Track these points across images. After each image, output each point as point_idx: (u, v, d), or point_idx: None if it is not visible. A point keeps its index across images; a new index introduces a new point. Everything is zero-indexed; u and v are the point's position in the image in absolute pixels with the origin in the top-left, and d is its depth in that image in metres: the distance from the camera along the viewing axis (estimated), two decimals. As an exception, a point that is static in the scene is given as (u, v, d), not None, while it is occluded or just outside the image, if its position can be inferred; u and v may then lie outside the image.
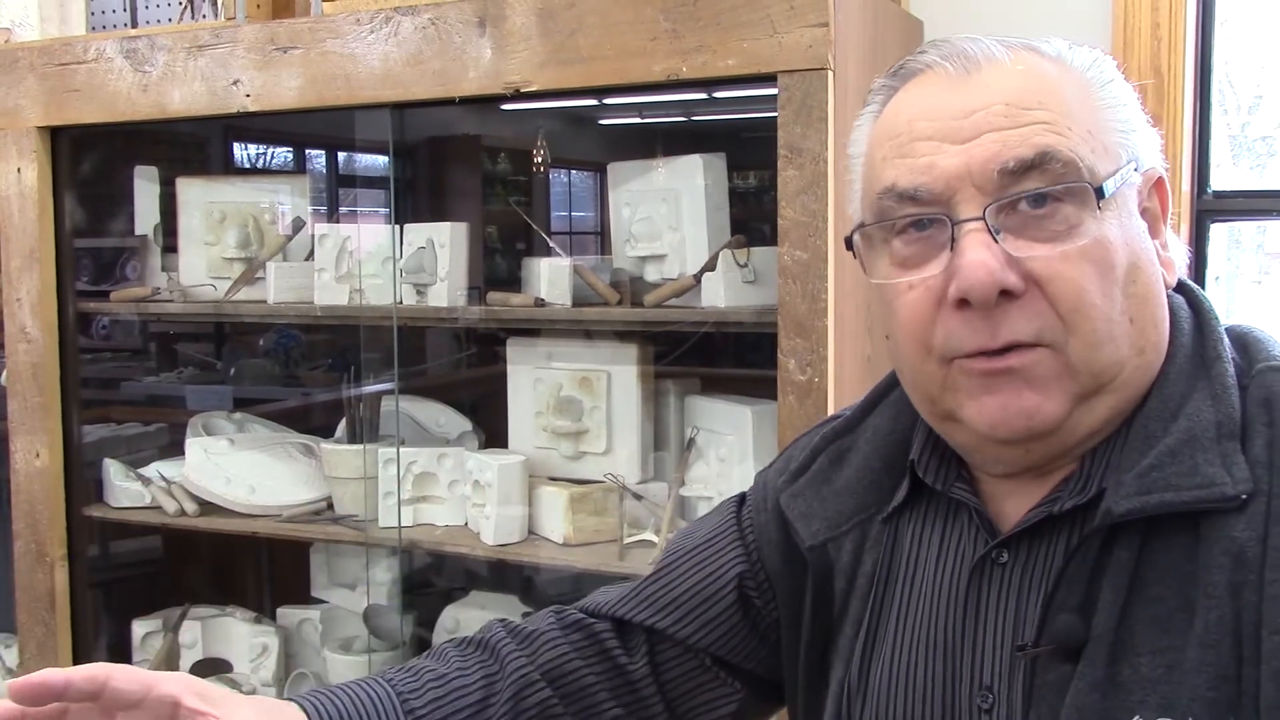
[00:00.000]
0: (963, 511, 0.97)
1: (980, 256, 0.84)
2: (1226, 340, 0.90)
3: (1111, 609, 0.85)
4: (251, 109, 2.09)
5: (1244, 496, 0.82)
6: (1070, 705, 0.85)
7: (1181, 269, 0.97)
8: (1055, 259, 0.84)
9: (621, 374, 2.13)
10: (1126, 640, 0.84)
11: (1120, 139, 0.89)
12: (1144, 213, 0.91)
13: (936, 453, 0.99)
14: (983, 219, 0.85)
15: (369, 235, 2.27)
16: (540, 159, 2.50)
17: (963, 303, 0.85)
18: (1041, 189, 0.84)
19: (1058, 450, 0.89)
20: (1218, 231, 2.05)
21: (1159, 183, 0.93)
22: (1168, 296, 0.92)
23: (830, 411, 1.68)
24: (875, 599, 1.01)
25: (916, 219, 0.88)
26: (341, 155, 2.99)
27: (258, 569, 2.78)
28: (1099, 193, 0.84)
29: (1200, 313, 0.93)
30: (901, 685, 0.97)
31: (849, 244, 0.96)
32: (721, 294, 1.91)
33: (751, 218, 2.29)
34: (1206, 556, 0.82)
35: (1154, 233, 0.91)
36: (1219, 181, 2.02)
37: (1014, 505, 0.94)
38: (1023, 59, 0.89)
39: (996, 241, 0.84)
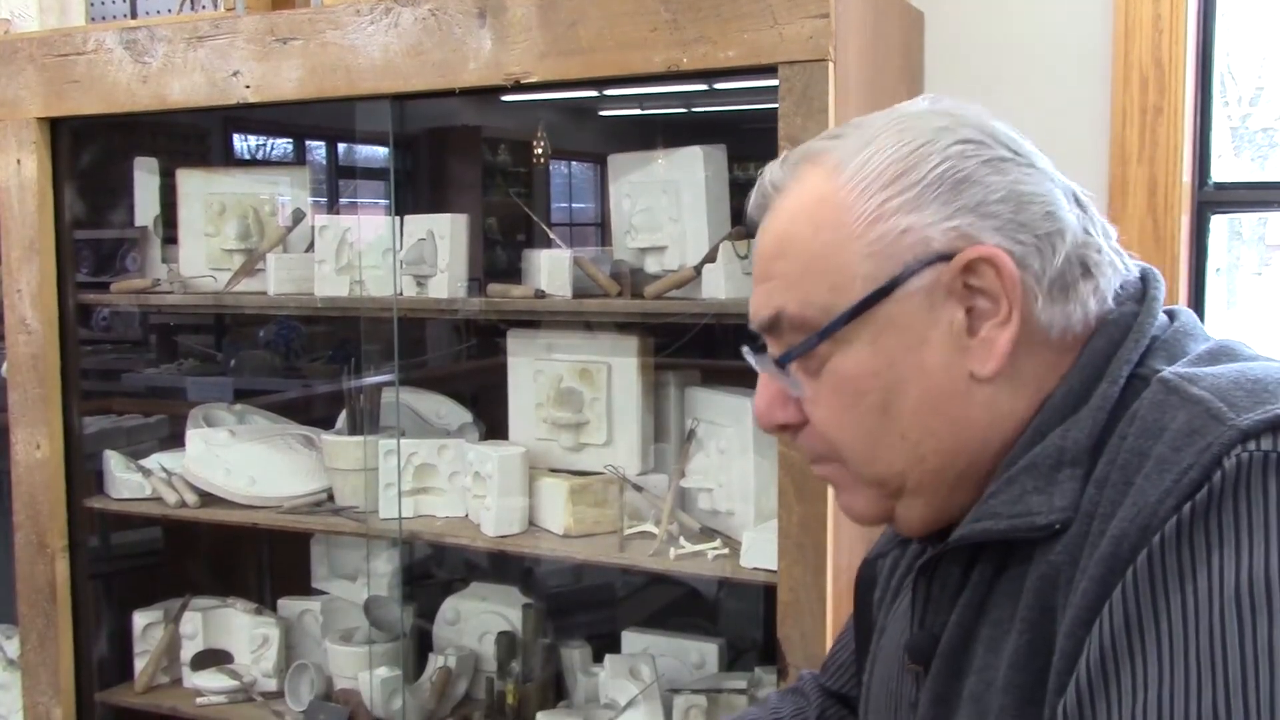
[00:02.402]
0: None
1: (757, 397, 0.96)
2: (1135, 358, 0.85)
3: (955, 629, 0.89)
4: (251, 100, 2.08)
5: (1057, 526, 0.81)
6: (919, 717, 0.92)
7: (1117, 275, 0.90)
8: (808, 401, 0.92)
9: (622, 366, 2.13)
10: (967, 658, 0.88)
11: (884, 254, 0.86)
12: (977, 292, 0.86)
13: None
14: (757, 360, 0.95)
15: (369, 227, 2.27)
16: (540, 150, 2.50)
17: None
18: (771, 348, 0.94)
19: (925, 529, 0.95)
20: (1218, 223, 2.04)
21: (985, 259, 0.85)
22: (1111, 311, 0.88)
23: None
24: (888, 611, 1.08)
25: None
26: (341, 146, 3.00)
27: (258, 560, 2.79)
28: (784, 358, 0.91)
29: (1131, 330, 0.87)
30: (881, 691, 1.04)
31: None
32: (722, 285, 1.91)
33: (752, 209, 2.28)
34: (1029, 580, 0.83)
35: (983, 315, 0.86)
36: (1220, 173, 2.01)
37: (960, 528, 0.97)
38: (788, 191, 0.93)
39: (777, 378, 0.93)
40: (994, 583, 0.87)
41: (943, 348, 0.87)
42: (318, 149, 3.15)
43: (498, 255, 2.81)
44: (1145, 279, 0.92)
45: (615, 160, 2.15)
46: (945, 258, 0.85)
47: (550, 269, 2.06)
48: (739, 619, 2.24)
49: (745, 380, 2.04)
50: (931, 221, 0.86)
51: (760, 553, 1.82)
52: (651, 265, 2.09)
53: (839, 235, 0.88)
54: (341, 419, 2.36)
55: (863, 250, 0.87)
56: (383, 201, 2.33)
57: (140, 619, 2.48)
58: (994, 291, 0.86)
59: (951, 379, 0.87)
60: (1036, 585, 0.82)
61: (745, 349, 0.98)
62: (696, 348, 2.15)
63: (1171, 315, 0.91)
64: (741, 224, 1.99)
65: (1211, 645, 0.70)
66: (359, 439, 2.27)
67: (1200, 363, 0.84)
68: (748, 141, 2.20)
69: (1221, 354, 0.86)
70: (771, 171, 0.94)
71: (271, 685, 2.39)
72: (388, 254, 2.20)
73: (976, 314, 0.86)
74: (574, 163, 3.15)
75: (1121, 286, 0.90)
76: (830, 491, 1.67)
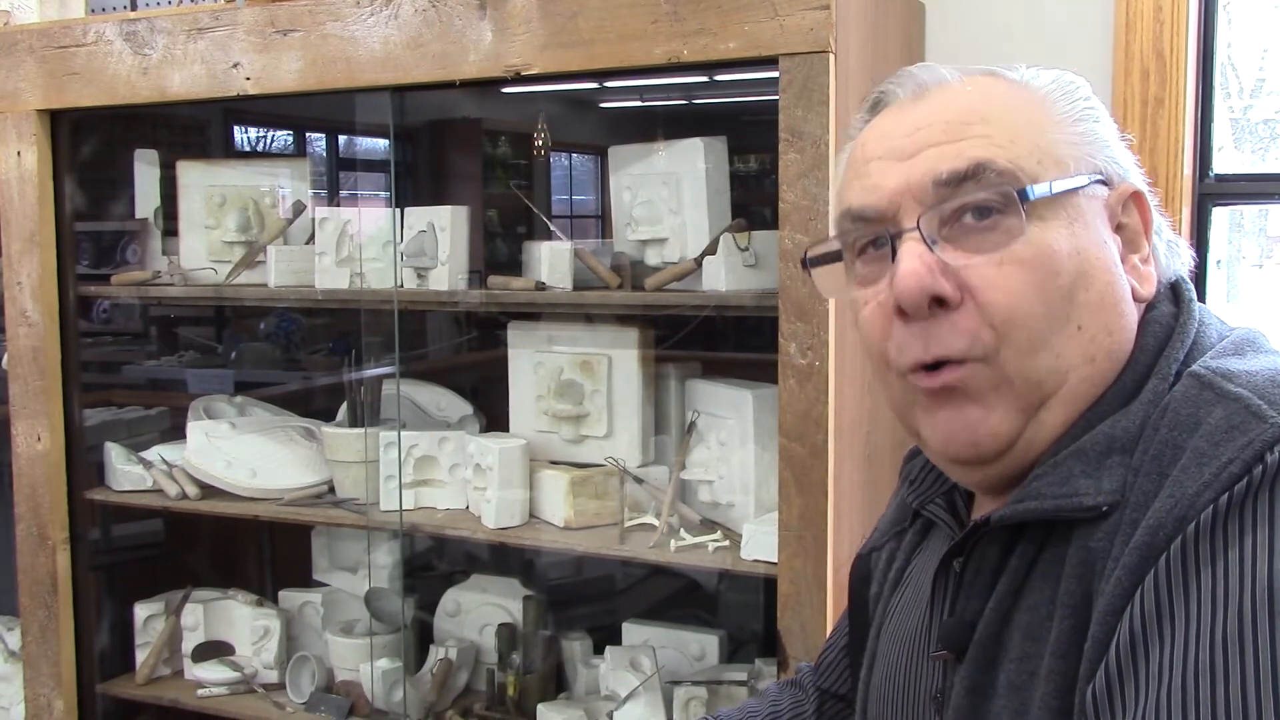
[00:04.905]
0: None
1: (911, 265, 0.86)
2: (1182, 356, 0.88)
3: (993, 615, 0.87)
4: (251, 92, 2.08)
5: (1104, 508, 0.81)
6: (951, 707, 0.89)
7: (1185, 272, 0.96)
8: (989, 267, 0.85)
9: (622, 358, 2.13)
10: (1004, 646, 0.86)
11: (1076, 152, 0.89)
12: (1120, 228, 0.91)
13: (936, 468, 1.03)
14: (917, 229, 0.87)
15: (369, 219, 2.27)
16: (541, 142, 2.49)
17: (901, 312, 0.87)
18: (972, 196, 0.86)
19: (1015, 469, 0.90)
20: (1219, 215, 2.04)
21: (1137, 198, 0.92)
22: (1150, 309, 0.91)
23: (830, 395, 1.68)
24: (886, 604, 1.07)
25: (873, 238, 0.91)
26: (342, 138, 2.99)
27: (259, 552, 2.79)
28: (1022, 195, 0.85)
29: (1175, 329, 0.90)
30: (889, 685, 1.03)
31: (804, 264, 0.99)
32: (722, 278, 1.91)
33: (752, 201, 2.29)
34: (1068, 565, 0.83)
35: (1133, 247, 0.92)
36: (1221, 165, 2.01)
37: (983, 514, 0.95)
38: (973, 82, 0.92)
39: (932, 251, 0.86)
40: (1032, 567, 0.86)
41: (1116, 257, 0.90)
42: (318, 141, 3.15)
43: (498, 247, 2.81)
44: (1174, 281, 0.96)
45: (616, 152, 2.15)
46: (1110, 184, 0.91)
47: (551, 261, 2.06)
48: (739, 611, 2.24)
49: (745, 372, 2.04)
50: (1113, 145, 0.92)
51: (760, 545, 1.82)
52: (652, 257, 2.09)
53: (1045, 120, 0.90)
54: (342, 411, 2.36)
55: (1066, 139, 0.90)
56: (383, 194, 2.33)
57: (141, 610, 2.48)
58: (1136, 229, 0.92)
59: (1122, 288, 0.90)
60: (1077, 570, 0.82)
61: (882, 234, 0.89)
62: (697, 340, 2.15)
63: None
64: (742, 216, 1.99)
65: (1240, 629, 0.70)
66: (360, 431, 2.27)
67: (1225, 354, 0.86)
68: (748, 133, 2.20)
69: (1245, 346, 0.88)
70: (927, 69, 0.93)
71: (273, 677, 2.39)
72: (388, 246, 2.19)
73: (1122, 246, 0.91)
74: (574, 155, 3.14)
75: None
76: (832, 481, 1.67)
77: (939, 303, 0.86)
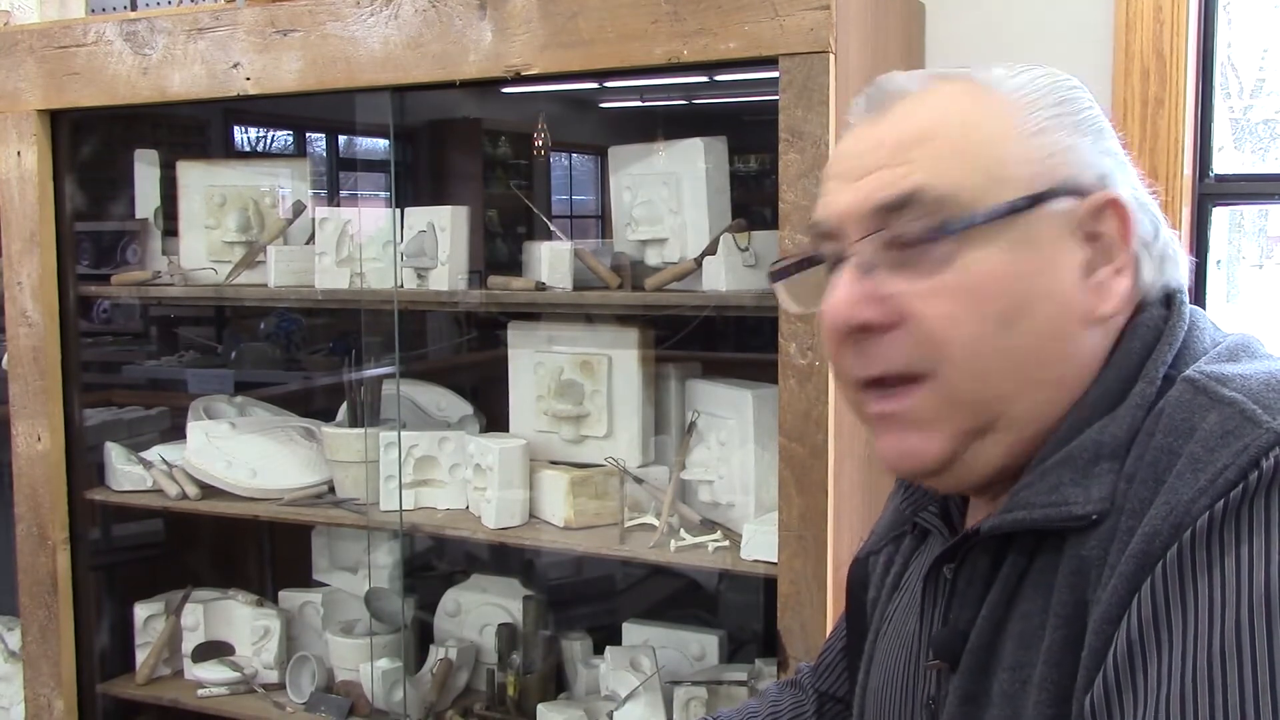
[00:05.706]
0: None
1: (839, 293, 0.86)
2: (1169, 359, 0.86)
3: (985, 624, 0.87)
4: (251, 92, 2.08)
5: (1094, 517, 0.80)
6: (945, 715, 0.89)
7: (1183, 272, 0.93)
8: (921, 294, 0.85)
9: (622, 358, 2.13)
10: (997, 654, 0.86)
11: (1036, 167, 0.86)
12: (1095, 238, 0.88)
13: None
14: (853, 255, 0.87)
15: (369, 219, 2.27)
16: (541, 142, 2.50)
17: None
18: (901, 228, 0.85)
19: (970, 484, 0.90)
20: (1219, 215, 2.04)
21: (1115, 205, 0.88)
22: (1140, 313, 0.89)
23: (830, 395, 1.68)
24: (884, 609, 1.07)
25: (833, 253, 0.91)
26: (342, 138, 3.00)
27: (259, 552, 2.79)
28: (950, 228, 0.83)
29: (1163, 334, 0.88)
30: (883, 692, 1.02)
31: (771, 278, 0.99)
32: (722, 278, 1.91)
33: (753, 201, 2.29)
34: (1061, 574, 0.82)
35: (1107, 257, 0.88)
36: (1221, 165, 2.01)
37: (974, 522, 0.95)
38: (937, 91, 0.90)
39: (869, 276, 0.86)
40: (1023, 576, 0.86)
41: (1068, 279, 0.87)
42: (318, 141, 3.15)
43: (498, 247, 2.81)
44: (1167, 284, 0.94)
45: (616, 152, 2.15)
46: (1082, 194, 0.87)
47: (551, 261, 2.06)
48: (739, 611, 2.24)
49: (745, 372, 2.04)
50: (1088, 152, 0.89)
51: (760, 545, 1.82)
52: (652, 257, 2.09)
53: (1001, 133, 0.87)
54: (342, 411, 2.37)
55: (1022, 154, 0.87)
56: (383, 194, 2.33)
57: (141, 610, 2.48)
58: (1111, 239, 0.88)
59: (1070, 313, 0.87)
60: (1070, 579, 0.81)
61: (818, 250, 0.90)
62: (697, 340, 2.15)
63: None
64: (742, 216, 1.99)
65: (1238, 637, 0.70)
66: (360, 431, 2.27)
67: (1220, 360, 0.84)
68: (748, 133, 2.20)
69: (1240, 351, 0.86)
70: (892, 80, 0.91)
71: (273, 677, 2.39)
72: (388, 246, 2.20)
73: (1093, 258, 0.88)
74: (574, 155, 3.15)
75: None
76: (832, 481, 1.67)
77: (871, 327, 0.86)
